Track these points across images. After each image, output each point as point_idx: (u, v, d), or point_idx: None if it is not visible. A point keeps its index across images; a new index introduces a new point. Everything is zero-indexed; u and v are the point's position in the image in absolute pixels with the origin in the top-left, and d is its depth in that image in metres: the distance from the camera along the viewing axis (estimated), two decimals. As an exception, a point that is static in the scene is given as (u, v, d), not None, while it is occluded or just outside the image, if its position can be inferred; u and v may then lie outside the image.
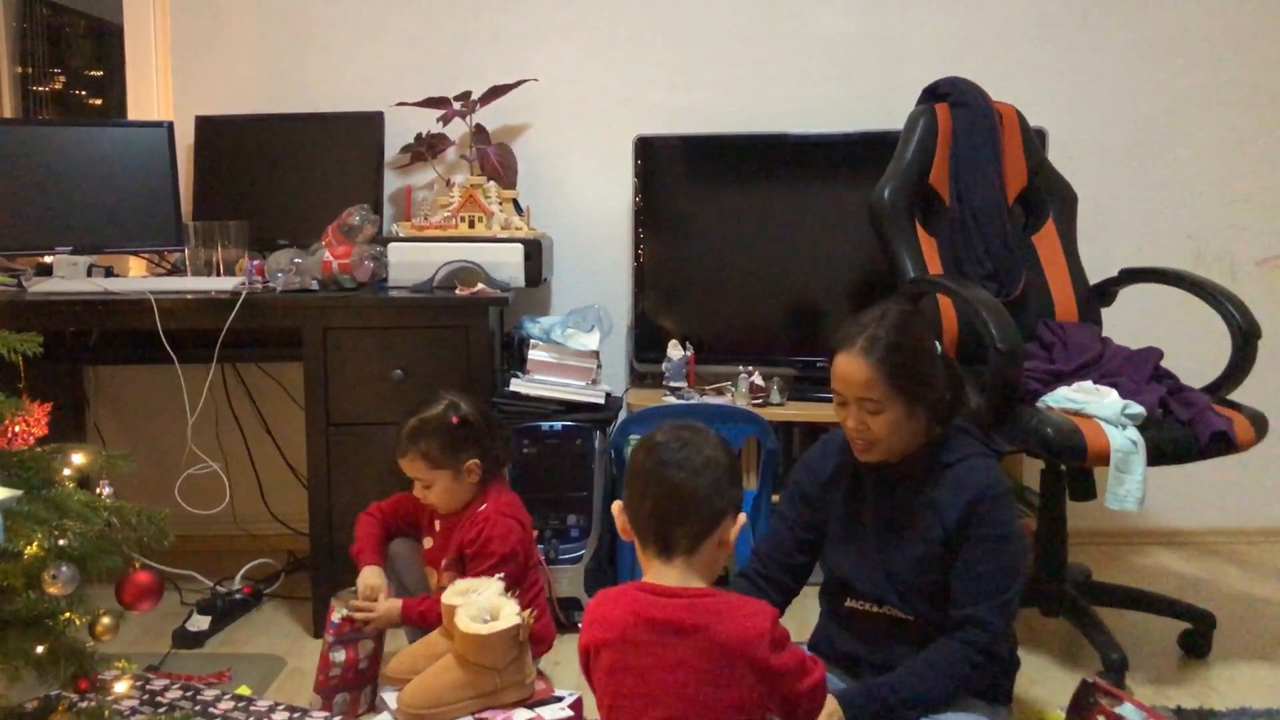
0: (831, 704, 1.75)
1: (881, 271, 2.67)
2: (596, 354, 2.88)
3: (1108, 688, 1.95)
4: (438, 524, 2.40)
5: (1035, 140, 2.80)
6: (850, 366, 1.81)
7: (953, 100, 2.70)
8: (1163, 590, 2.70)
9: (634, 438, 2.79)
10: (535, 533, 2.62)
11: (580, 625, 1.62)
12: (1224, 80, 3.21)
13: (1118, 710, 1.89)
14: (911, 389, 1.80)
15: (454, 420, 2.30)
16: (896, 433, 1.83)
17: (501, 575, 2.24)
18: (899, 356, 1.79)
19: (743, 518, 1.61)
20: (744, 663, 1.51)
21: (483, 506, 2.33)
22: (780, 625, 1.56)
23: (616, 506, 1.62)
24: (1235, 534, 3.34)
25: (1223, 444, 2.26)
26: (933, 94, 2.74)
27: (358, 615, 2.24)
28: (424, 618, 2.28)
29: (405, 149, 3.19)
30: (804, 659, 1.59)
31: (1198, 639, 2.51)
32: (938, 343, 1.90)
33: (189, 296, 2.58)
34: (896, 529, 1.87)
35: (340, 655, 2.23)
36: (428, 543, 2.42)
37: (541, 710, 2.19)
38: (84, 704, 1.56)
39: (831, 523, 1.97)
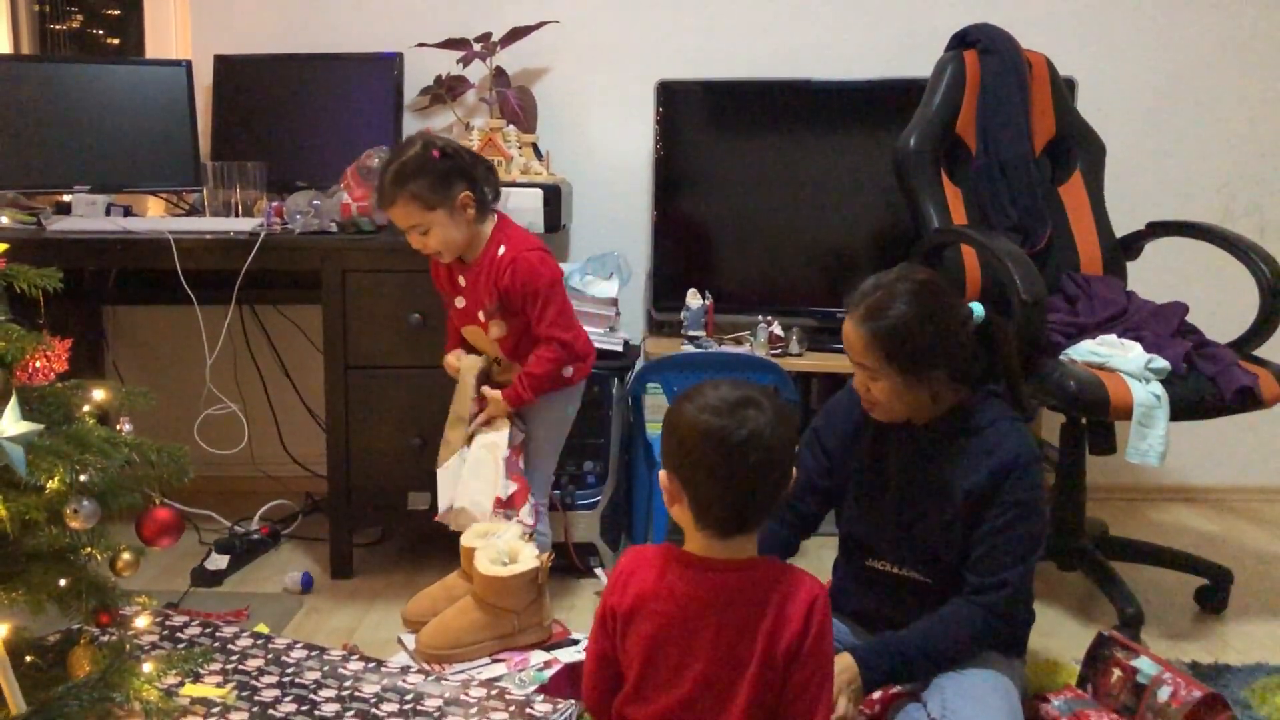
0: (847, 660, 1.75)
1: (905, 221, 2.64)
2: (615, 301, 2.87)
3: (1124, 641, 1.95)
4: (462, 279, 2.35)
5: (1065, 90, 2.75)
6: (849, 332, 1.79)
7: (982, 48, 2.65)
8: (1180, 546, 2.69)
9: (651, 385, 2.78)
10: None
11: (606, 579, 1.58)
12: (1257, 31, 3.15)
13: (1133, 663, 1.90)
14: (909, 365, 1.76)
15: (435, 154, 2.22)
16: (894, 400, 1.80)
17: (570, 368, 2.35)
18: (897, 334, 1.74)
19: (795, 473, 1.55)
20: (773, 640, 1.47)
21: (500, 250, 2.28)
22: (825, 609, 1.50)
23: (665, 478, 1.51)
24: (1255, 491, 3.33)
25: (1248, 400, 2.24)
26: (962, 41, 2.70)
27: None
28: (523, 393, 2.31)
29: (425, 91, 3.16)
30: (827, 683, 1.52)
31: (1214, 595, 2.50)
32: (977, 306, 1.84)
33: (208, 237, 2.57)
34: (920, 492, 1.85)
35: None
36: (459, 302, 2.38)
37: (558, 653, 2.21)
38: (105, 638, 1.57)
39: (851, 480, 1.95)
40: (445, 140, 2.28)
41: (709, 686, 1.48)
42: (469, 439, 2.37)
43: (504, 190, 2.71)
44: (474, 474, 2.33)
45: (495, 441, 2.34)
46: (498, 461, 2.32)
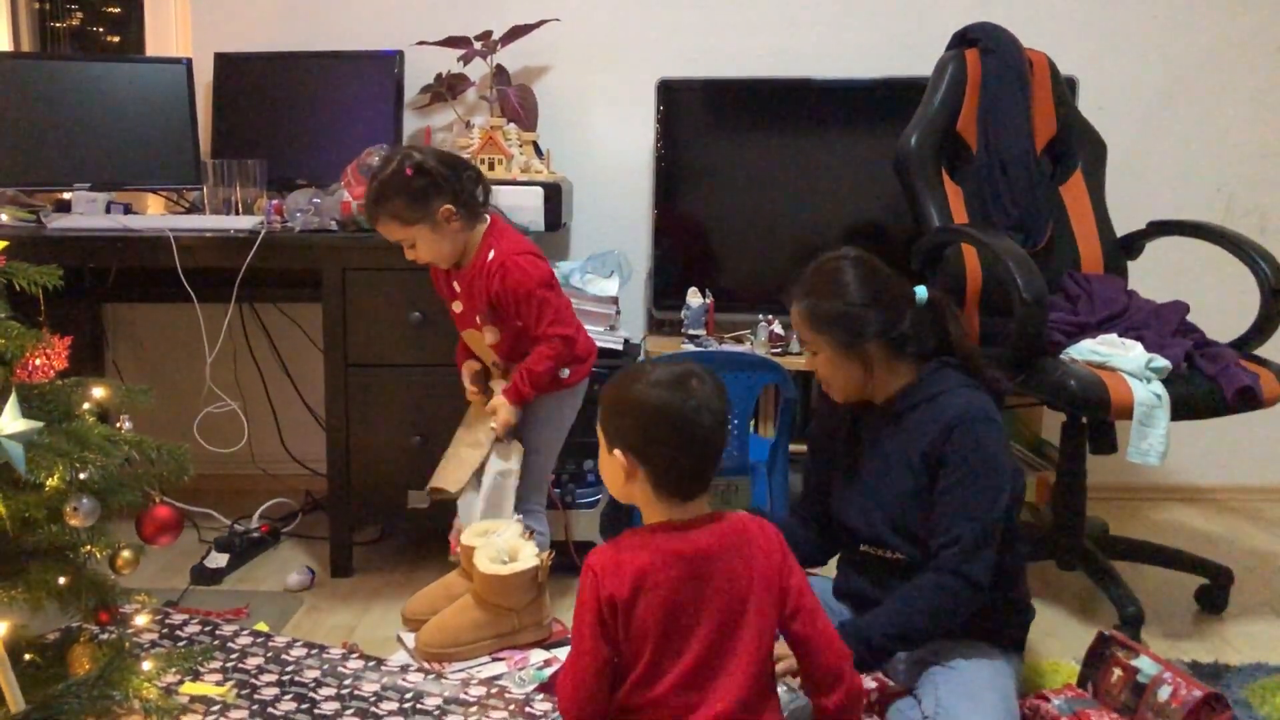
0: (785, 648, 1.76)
1: (906, 220, 2.64)
2: (615, 300, 2.87)
3: (1124, 640, 1.95)
4: (457, 285, 2.35)
5: (1066, 89, 2.75)
6: (791, 311, 1.93)
7: (983, 46, 2.65)
8: (1180, 546, 2.68)
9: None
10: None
11: (589, 578, 1.56)
12: (1259, 30, 3.14)
13: (1133, 663, 1.90)
14: (838, 333, 1.85)
15: (408, 172, 2.22)
16: (836, 374, 1.90)
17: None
18: (819, 304, 1.87)
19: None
20: (768, 564, 1.56)
21: (490, 255, 2.28)
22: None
23: (619, 456, 1.55)
24: (1255, 491, 3.32)
25: (1248, 399, 2.24)
26: (963, 40, 2.70)
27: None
28: (522, 387, 2.29)
29: (425, 89, 3.16)
30: (817, 610, 1.60)
31: (1215, 594, 2.50)
32: (920, 288, 1.92)
33: (208, 235, 2.57)
34: (885, 468, 1.90)
35: None
36: (457, 307, 2.38)
37: (557, 651, 2.21)
38: (104, 636, 1.57)
39: (835, 469, 2.00)
40: (424, 154, 2.26)
41: (722, 632, 1.52)
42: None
43: (504, 189, 2.72)
44: (489, 502, 2.35)
45: (511, 469, 2.35)
46: (509, 491, 2.35)
